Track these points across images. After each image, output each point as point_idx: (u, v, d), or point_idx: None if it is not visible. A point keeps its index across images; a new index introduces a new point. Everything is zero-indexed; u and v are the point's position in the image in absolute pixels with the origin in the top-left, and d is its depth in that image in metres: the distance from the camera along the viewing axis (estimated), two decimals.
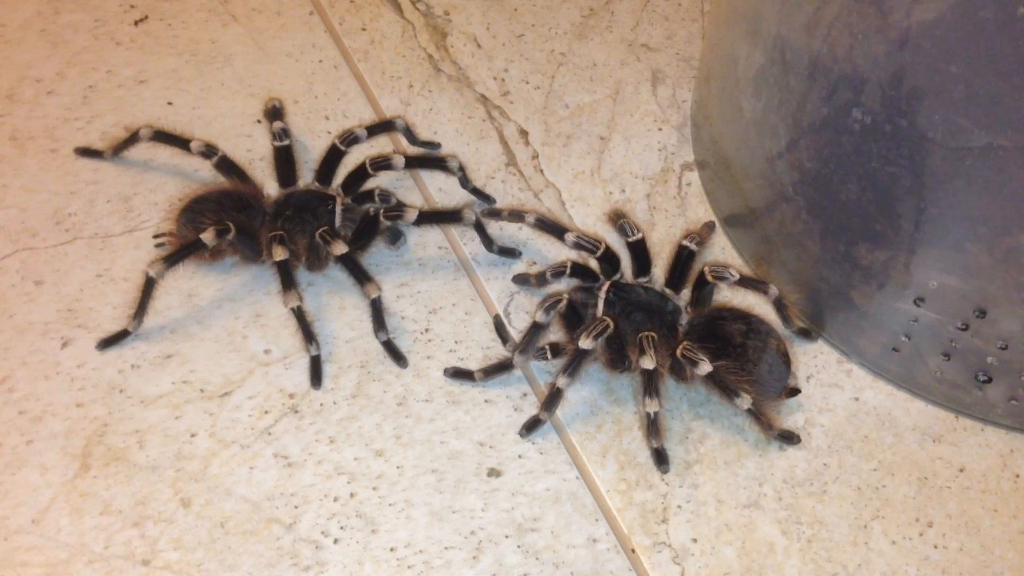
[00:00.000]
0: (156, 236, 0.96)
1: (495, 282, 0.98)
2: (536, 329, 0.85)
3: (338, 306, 0.95)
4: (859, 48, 0.76)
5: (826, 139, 0.83)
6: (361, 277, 0.90)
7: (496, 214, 0.96)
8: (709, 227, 1.01)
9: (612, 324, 0.84)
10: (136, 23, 1.18)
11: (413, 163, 0.98)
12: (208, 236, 0.87)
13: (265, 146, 1.06)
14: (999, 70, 0.69)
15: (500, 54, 1.19)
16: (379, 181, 0.99)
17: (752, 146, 0.94)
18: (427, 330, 0.94)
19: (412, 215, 0.92)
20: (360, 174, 0.97)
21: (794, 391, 0.88)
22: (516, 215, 0.93)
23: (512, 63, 1.18)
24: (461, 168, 0.99)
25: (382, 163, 0.96)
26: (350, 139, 0.98)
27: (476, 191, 1.03)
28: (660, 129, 1.13)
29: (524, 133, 1.11)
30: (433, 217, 0.96)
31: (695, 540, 0.82)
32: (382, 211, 0.93)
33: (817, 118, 0.83)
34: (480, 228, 0.96)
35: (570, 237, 0.90)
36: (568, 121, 1.13)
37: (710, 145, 1.04)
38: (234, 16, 1.20)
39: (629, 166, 1.09)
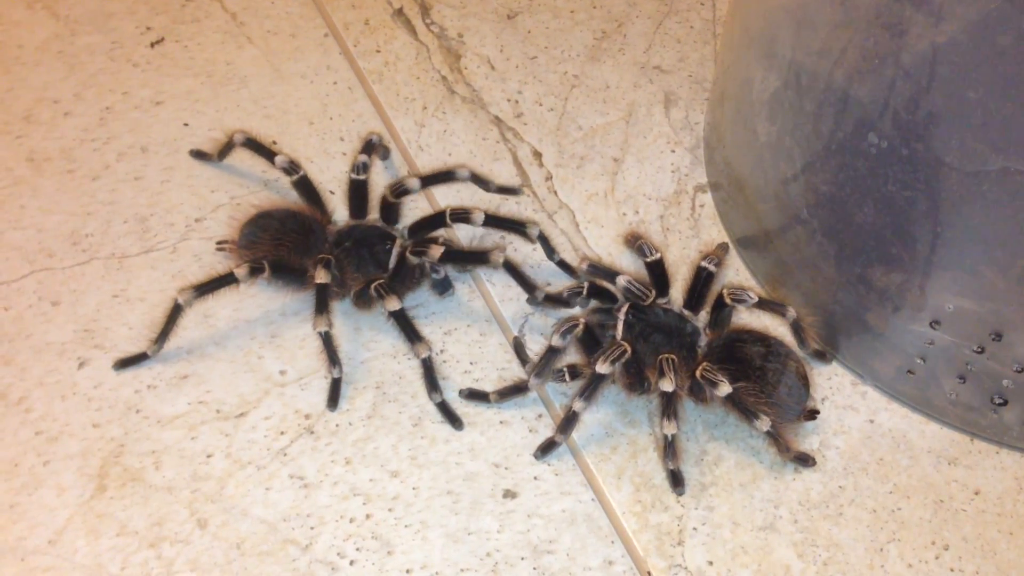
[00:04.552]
0: (219, 243, 0.97)
1: (510, 303, 0.98)
2: (552, 353, 0.85)
3: (353, 327, 0.95)
4: (875, 73, 0.77)
5: (842, 163, 0.83)
6: (412, 335, 0.88)
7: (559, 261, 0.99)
8: (723, 248, 1.02)
9: (629, 349, 0.84)
10: (152, 45, 1.19)
11: (492, 222, 0.94)
12: (242, 272, 0.87)
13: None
14: (1015, 95, 0.70)
15: (514, 76, 1.20)
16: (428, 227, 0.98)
17: (766, 168, 0.94)
18: (442, 351, 0.94)
19: (437, 252, 0.91)
20: (437, 221, 0.95)
21: (813, 413, 0.88)
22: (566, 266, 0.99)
23: (526, 85, 1.19)
24: (543, 237, 0.96)
25: (461, 215, 0.93)
26: (400, 190, 0.96)
27: (563, 264, 0.99)
28: (673, 151, 1.13)
29: (538, 155, 1.12)
30: (459, 257, 0.93)
31: (711, 563, 0.82)
32: (409, 248, 0.92)
33: (833, 142, 0.83)
34: (515, 272, 0.93)
35: (621, 280, 0.90)
36: (581, 143, 1.13)
37: (723, 167, 1.05)
38: (249, 38, 1.21)
39: (642, 188, 1.10)
